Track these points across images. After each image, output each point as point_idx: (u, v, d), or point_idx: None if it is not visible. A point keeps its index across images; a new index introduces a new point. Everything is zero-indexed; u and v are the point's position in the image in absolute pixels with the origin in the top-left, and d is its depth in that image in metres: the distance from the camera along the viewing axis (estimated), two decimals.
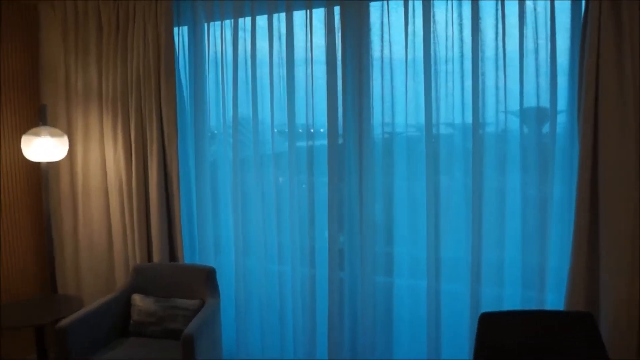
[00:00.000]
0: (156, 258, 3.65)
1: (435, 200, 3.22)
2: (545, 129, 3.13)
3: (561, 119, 3.10)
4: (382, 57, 3.28)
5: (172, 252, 3.70)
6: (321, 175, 3.42)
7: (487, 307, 3.14)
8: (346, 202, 3.38)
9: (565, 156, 3.06)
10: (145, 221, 3.72)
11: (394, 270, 3.37)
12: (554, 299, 3.09)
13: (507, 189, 3.15)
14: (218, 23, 3.61)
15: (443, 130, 3.25)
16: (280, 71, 3.45)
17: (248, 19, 3.49)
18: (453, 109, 3.23)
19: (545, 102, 3.10)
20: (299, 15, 3.40)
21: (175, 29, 3.69)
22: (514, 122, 3.15)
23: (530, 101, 3.11)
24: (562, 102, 3.07)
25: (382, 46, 3.27)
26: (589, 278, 2.89)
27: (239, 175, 3.60)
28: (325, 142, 3.35)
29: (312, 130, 3.44)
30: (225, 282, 3.71)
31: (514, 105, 3.14)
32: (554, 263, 3.09)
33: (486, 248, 3.15)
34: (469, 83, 3.13)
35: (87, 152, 3.92)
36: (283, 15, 3.42)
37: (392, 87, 3.28)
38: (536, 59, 3.08)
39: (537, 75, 3.08)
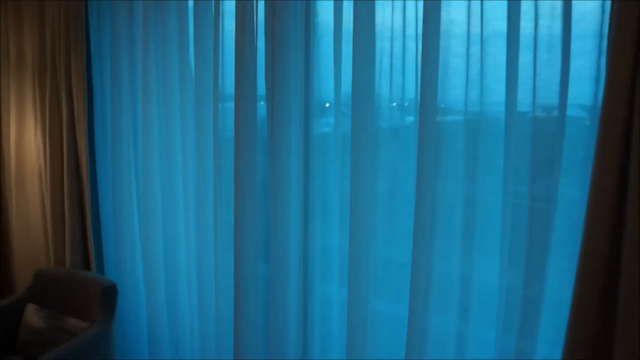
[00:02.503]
0: (68, 261, 3.08)
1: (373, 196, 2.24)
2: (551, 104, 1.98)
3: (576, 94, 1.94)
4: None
5: (85, 255, 3.09)
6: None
7: (436, 345, 2.16)
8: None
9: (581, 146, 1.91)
10: (62, 217, 3.14)
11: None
12: (545, 351, 1.99)
13: (479, 191, 2.09)
14: None
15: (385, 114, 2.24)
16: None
17: None
18: (403, 84, 2.20)
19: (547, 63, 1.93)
20: None
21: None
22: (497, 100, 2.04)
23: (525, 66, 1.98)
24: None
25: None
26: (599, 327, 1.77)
27: (165, 167, 2.86)
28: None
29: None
30: (144, 293, 3.03)
31: (499, 72, 2.02)
32: (550, 295, 1.97)
33: (440, 258, 2.12)
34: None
35: (21, 130, 3.40)
36: None
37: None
38: None
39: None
